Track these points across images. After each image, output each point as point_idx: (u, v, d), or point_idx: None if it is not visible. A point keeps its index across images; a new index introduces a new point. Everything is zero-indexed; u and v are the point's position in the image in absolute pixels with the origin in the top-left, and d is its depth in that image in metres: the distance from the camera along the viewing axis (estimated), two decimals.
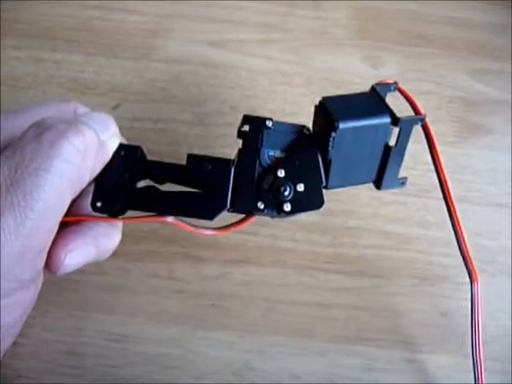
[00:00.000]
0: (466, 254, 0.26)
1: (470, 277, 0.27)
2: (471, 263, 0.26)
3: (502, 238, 0.32)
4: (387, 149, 0.25)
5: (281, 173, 0.23)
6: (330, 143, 0.23)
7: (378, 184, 0.26)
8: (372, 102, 0.25)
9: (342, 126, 0.23)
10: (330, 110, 0.24)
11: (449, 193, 0.26)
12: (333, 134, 0.23)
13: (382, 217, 0.32)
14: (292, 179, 0.23)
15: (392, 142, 0.25)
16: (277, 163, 0.24)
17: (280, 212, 0.23)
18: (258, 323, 0.30)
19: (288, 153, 0.24)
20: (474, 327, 0.27)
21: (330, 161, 0.24)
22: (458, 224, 0.26)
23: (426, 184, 0.33)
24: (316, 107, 0.25)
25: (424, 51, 0.37)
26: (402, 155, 0.25)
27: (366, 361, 0.29)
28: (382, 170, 0.25)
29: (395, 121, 0.24)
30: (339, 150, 0.24)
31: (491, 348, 0.30)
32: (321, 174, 0.24)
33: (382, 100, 0.25)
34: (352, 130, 0.23)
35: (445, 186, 0.26)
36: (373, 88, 0.25)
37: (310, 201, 0.24)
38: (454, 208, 0.26)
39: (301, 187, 0.23)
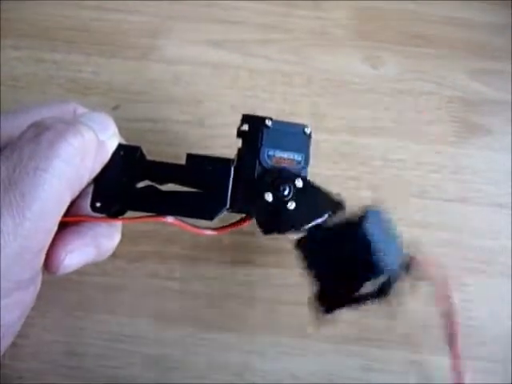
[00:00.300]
0: None
1: None
2: None
3: (502, 238, 0.32)
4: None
5: (298, 182, 0.23)
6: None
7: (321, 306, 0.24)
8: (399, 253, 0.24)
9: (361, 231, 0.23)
10: (364, 228, 0.23)
11: None
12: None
13: None
14: (297, 194, 0.23)
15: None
16: (279, 163, 0.24)
17: (261, 199, 0.23)
18: (259, 324, 0.30)
19: (310, 184, 0.24)
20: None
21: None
22: None
23: (427, 184, 0.33)
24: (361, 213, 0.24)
25: (424, 51, 0.37)
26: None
27: (366, 361, 0.29)
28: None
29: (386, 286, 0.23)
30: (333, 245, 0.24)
31: (491, 349, 0.30)
32: (313, 222, 0.23)
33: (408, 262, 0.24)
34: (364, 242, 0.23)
35: None
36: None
37: (289, 220, 0.23)
38: None
39: (292, 205, 0.23)
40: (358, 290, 0.23)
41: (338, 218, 0.24)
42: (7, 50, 0.36)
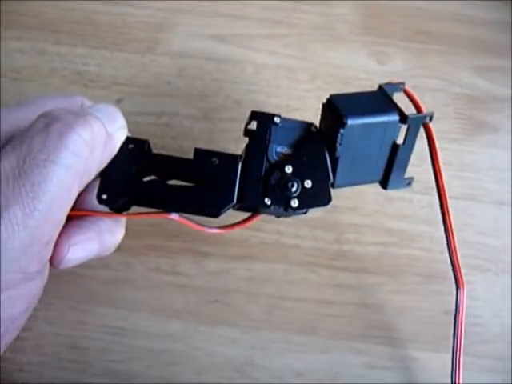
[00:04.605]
0: (455, 260, 0.26)
1: (457, 283, 0.27)
2: (459, 270, 0.26)
3: (506, 236, 0.32)
4: (395, 147, 0.24)
5: (288, 169, 0.23)
6: (338, 140, 0.23)
7: (385, 184, 0.26)
8: (380, 99, 0.25)
9: (350, 122, 0.23)
10: (338, 107, 0.24)
11: (445, 196, 0.26)
12: (341, 131, 0.23)
13: (387, 214, 0.32)
14: (299, 175, 0.23)
15: (399, 141, 0.24)
16: (284, 159, 0.24)
17: (287, 208, 0.23)
18: (261, 319, 0.30)
19: (296, 149, 0.24)
20: (457, 333, 0.26)
21: (337, 158, 0.24)
22: (451, 228, 0.26)
23: (432, 181, 0.33)
24: (324, 105, 0.25)
25: (430, 48, 0.37)
26: (410, 154, 0.25)
27: (369, 358, 0.29)
28: (389, 169, 0.25)
29: (403, 119, 0.23)
30: (347, 148, 0.24)
31: (493, 347, 0.30)
32: (328, 171, 0.24)
33: (390, 98, 0.25)
34: (360, 126, 0.23)
35: (441, 189, 0.26)
36: (380, 87, 0.25)
37: (318, 197, 0.23)
38: (448, 213, 0.26)
39: (308, 183, 0.23)
40: None
41: None
42: (10, 41, 0.36)
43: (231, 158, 0.23)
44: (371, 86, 0.35)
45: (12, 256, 0.18)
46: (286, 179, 0.23)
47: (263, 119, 0.24)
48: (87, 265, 0.25)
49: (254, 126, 0.24)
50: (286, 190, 0.23)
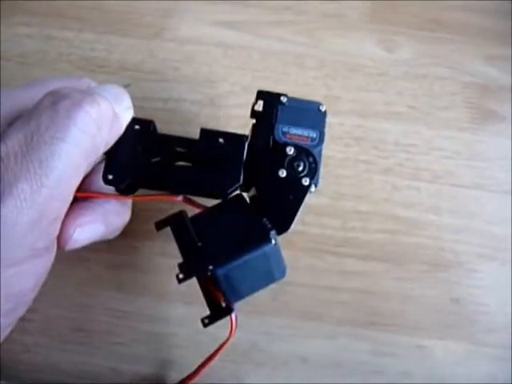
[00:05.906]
0: None
1: None
2: None
3: None
4: None
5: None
6: None
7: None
8: None
9: None
10: None
11: None
12: None
13: (394, 202, 0.32)
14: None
15: None
16: (294, 139, 0.23)
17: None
18: (267, 305, 0.30)
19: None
20: None
21: None
22: None
23: (440, 170, 0.33)
24: None
25: (439, 36, 0.37)
26: None
27: (375, 345, 0.29)
28: None
29: None
30: None
31: (500, 336, 0.30)
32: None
33: None
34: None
35: None
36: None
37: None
38: None
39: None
40: None
41: None
42: (18, 26, 0.36)
43: (238, 138, 0.23)
44: (379, 73, 0.35)
45: (21, 231, 0.18)
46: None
47: (270, 98, 0.24)
48: (93, 248, 0.26)
49: (260, 107, 0.24)
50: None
